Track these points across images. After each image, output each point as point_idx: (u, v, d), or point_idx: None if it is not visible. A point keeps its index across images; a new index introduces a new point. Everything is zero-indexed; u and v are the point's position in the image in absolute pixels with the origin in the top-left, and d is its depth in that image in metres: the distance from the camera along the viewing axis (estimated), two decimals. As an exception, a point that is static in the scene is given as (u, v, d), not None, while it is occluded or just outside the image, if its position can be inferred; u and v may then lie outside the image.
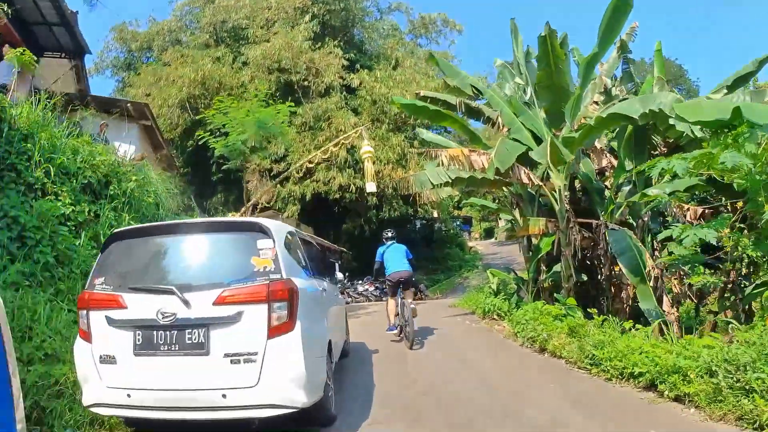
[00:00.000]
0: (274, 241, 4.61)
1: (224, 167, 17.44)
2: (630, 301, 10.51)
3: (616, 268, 10.84)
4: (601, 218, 11.30)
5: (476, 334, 10.69)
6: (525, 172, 10.71)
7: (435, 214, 38.89)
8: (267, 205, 23.88)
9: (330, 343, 5.42)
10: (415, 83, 24.34)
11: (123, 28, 31.77)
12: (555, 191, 11.05)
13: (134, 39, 31.51)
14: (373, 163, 14.51)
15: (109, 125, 14.57)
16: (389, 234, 10.65)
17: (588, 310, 9.12)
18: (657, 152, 11.97)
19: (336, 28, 28.56)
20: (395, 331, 10.13)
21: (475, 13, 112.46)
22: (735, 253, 8.00)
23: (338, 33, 28.38)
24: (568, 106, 10.85)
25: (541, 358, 8.03)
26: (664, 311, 8.93)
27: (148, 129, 19.16)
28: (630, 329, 7.57)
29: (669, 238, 8.60)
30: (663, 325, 8.47)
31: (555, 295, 10.43)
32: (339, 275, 7.62)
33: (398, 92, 23.23)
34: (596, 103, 12.91)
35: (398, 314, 9.99)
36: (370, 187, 14.04)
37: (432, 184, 11.23)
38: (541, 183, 10.99)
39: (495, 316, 11.49)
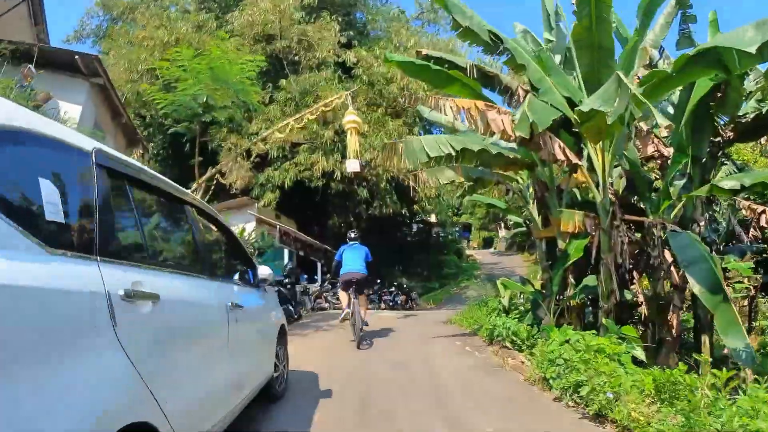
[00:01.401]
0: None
1: (171, 131, 14.43)
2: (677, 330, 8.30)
3: (667, 284, 8.70)
4: (650, 217, 8.53)
5: (482, 373, 7.05)
6: (560, 145, 7.70)
7: (432, 218, 36.62)
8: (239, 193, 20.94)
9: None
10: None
11: (106, -9, 28.76)
12: (596, 176, 8.10)
13: (118, 5, 28.50)
14: (359, 134, 11.54)
15: (34, 73, 11.53)
16: (353, 234, 10.52)
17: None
18: (720, 138, 9.47)
19: (335, 3, 25.66)
20: (346, 312, 9.70)
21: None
22: None
23: (338, 9, 25.48)
24: (623, 57, 7.97)
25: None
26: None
27: (103, 90, 16.12)
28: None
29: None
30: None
31: (604, 320, 7.40)
32: (264, 271, 4.51)
33: (399, 72, 20.26)
34: (638, 78, 10.06)
35: (351, 312, 9.47)
36: (352, 165, 11.11)
37: (428, 156, 8.24)
38: (579, 162, 7.98)
39: (508, 344, 8.34)
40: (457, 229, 49.29)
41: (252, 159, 17.66)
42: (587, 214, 8.27)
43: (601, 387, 4.58)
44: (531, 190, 11.35)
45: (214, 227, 4.00)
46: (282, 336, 5.38)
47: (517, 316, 9.59)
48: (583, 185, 11.09)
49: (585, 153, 8.75)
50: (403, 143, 8.52)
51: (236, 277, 4.22)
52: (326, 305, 18.10)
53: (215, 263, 3.87)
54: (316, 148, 20.18)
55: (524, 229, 14.62)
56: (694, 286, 6.78)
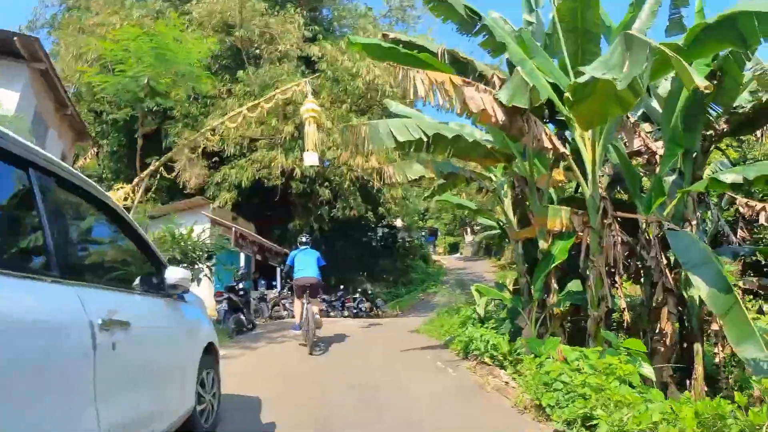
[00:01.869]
0: None
1: (110, 116, 13.07)
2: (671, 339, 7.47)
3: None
4: (643, 215, 7.73)
5: (460, 397, 5.85)
6: (546, 131, 6.73)
7: (398, 223, 35.67)
8: (194, 192, 19.58)
9: None
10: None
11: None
12: (587, 168, 7.20)
13: (74, -7, 26.84)
14: (318, 126, 10.43)
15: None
16: (303, 239, 10.23)
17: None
18: (712, 132, 8.82)
19: (300, -2, 24.47)
20: (298, 332, 9.75)
21: None
22: None
23: (303, 4, 24.33)
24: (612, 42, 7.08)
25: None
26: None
27: (45, 77, 14.63)
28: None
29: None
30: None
31: (602, 332, 6.45)
32: (175, 275, 3.30)
33: (364, 66, 19.23)
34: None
35: (303, 318, 9.26)
36: (310, 158, 9.99)
37: (396, 141, 7.16)
38: (566, 151, 7.03)
39: (486, 359, 7.24)
40: (423, 233, 48.51)
41: (209, 159, 16.34)
42: (575, 211, 7.37)
43: (623, 424, 3.51)
44: (506, 188, 10.44)
45: (94, 209, 2.80)
46: (210, 357, 4.21)
47: (494, 325, 8.55)
48: (560, 184, 10.24)
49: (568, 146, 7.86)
50: (366, 126, 7.42)
51: (136, 282, 3.09)
52: (284, 313, 16.89)
53: (81, 261, 2.66)
54: (275, 145, 18.99)
55: (496, 231, 13.57)
56: (701, 290, 5.99)
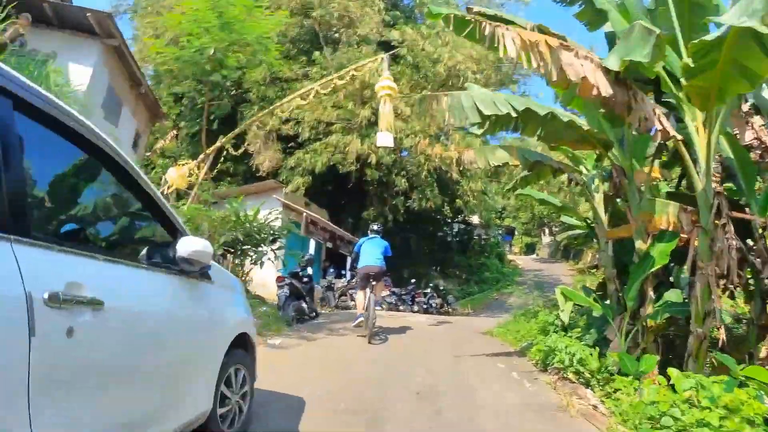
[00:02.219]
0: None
1: (173, 89, 12.80)
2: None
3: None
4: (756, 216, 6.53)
5: (538, 418, 4.98)
6: (654, 109, 5.68)
7: (475, 219, 34.56)
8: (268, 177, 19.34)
9: None
10: (473, 48, 19.38)
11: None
12: (698, 157, 6.11)
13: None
14: (392, 99, 9.66)
15: (29, 20, 10.06)
16: (375, 227, 10.05)
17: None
18: None
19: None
20: (360, 320, 9.37)
21: None
22: None
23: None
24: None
25: None
26: None
27: (118, 53, 14.75)
28: None
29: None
30: None
31: (716, 354, 5.40)
32: (189, 246, 2.63)
33: (446, 51, 18.33)
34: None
35: (366, 307, 9.19)
36: (383, 138, 9.23)
37: (481, 115, 6.31)
38: (678, 135, 5.96)
39: (570, 375, 6.27)
40: (500, 232, 46.91)
41: (285, 143, 15.97)
42: (684, 208, 6.27)
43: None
44: (597, 182, 9.34)
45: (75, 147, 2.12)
46: (240, 351, 3.55)
47: (578, 335, 7.55)
48: (654, 182, 9.05)
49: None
50: (448, 96, 6.59)
51: (142, 253, 2.45)
52: (351, 303, 16.32)
53: (37, 210, 1.94)
54: (351, 130, 18.39)
55: (580, 231, 12.38)
56: None
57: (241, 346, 3.56)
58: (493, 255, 37.90)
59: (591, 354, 6.25)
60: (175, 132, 22.04)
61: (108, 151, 2.20)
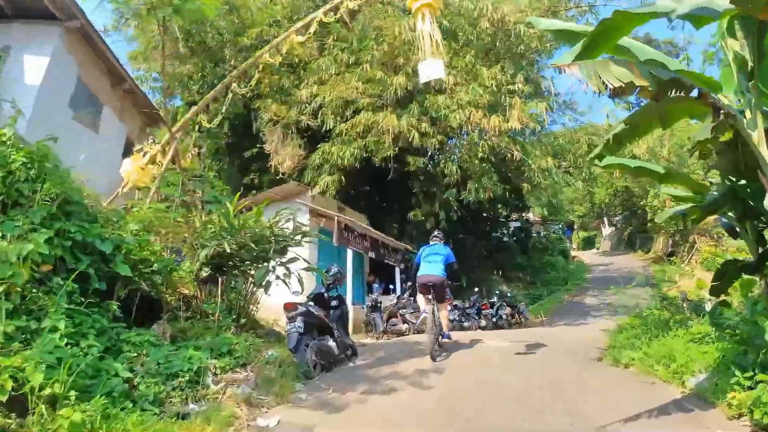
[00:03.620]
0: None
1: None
2: None
3: None
4: None
5: None
6: None
7: (532, 216, 31.09)
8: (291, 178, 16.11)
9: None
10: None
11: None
12: None
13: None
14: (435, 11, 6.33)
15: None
16: (436, 233, 9.37)
17: None
18: None
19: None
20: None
21: None
22: None
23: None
24: None
25: None
26: None
27: (85, 36, 11.60)
28: None
29: None
30: None
31: None
32: None
33: (489, 2, 14.70)
34: None
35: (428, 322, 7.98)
36: (429, 67, 5.91)
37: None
38: None
39: None
40: (560, 226, 42.97)
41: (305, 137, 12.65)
42: None
43: None
44: (749, 113, 5.70)
45: None
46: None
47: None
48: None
49: None
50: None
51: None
52: (404, 327, 12.85)
53: None
54: (384, 105, 14.91)
55: (689, 205, 8.12)
56: None
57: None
58: (556, 252, 34.74)
59: None
60: (197, 149, 19.29)
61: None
